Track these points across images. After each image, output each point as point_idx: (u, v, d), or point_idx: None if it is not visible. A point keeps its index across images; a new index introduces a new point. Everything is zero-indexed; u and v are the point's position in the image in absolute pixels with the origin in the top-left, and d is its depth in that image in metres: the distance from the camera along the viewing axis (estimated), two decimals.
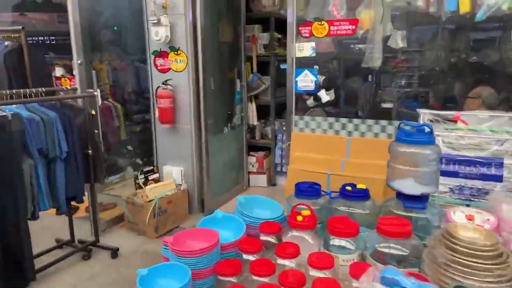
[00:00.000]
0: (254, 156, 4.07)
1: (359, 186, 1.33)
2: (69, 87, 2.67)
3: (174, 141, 3.36)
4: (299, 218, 1.16)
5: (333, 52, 2.85)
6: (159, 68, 3.29)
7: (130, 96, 4.37)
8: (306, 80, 2.81)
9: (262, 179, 4.09)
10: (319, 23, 2.72)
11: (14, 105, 2.21)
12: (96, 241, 2.75)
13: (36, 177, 2.24)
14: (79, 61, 2.77)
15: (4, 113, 2.06)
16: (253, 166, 4.08)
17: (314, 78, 2.79)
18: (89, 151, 2.61)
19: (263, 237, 1.17)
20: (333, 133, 2.78)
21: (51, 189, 2.35)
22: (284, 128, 4.06)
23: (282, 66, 4.22)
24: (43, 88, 2.47)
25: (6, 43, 3.43)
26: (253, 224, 1.28)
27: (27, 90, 2.38)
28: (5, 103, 2.15)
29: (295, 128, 2.88)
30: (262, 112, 4.18)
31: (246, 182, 4.08)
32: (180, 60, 3.18)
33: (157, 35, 3.09)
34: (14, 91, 2.31)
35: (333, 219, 1.11)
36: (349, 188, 1.33)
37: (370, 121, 2.69)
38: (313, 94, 2.85)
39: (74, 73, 4.17)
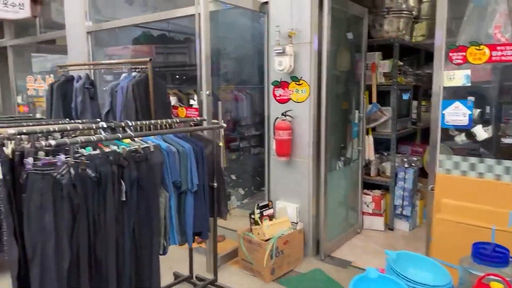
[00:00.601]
0: (369, 195, 3.68)
1: None
2: (198, 118, 2.64)
3: (289, 175, 3.15)
4: None
5: (492, 81, 2.41)
6: (278, 98, 3.16)
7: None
8: (457, 114, 2.40)
9: (378, 222, 3.65)
10: (477, 47, 2.32)
11: (152, 136, 2.20)
12: (215, 280, 2.59)
13: (168, 210, 2.17)
14: (207, 92, 2.75)
15: (147, 145, 2.03)
16: (368, 206, 3.67)
17: (468, 111, 2.36)
18: (214, 184, 2.51)
19: None
20: (492, 177, 2.30)
21: (179, 223, 2.27)
22: (406, 165, 3.61)
23: (404, 96, 3.83)
24: (176, 119, 2.47)
25: (134, 73, 3.62)
26: None
27: (161, 121, 2.37)
28: (146, 134, 2.15)
29: (440, 169, 2.46)
30: (377, 146, 3.80)
31: (360, 223, 3.67)
32: (302, 90, 3.01)
33: (281, 64, 2.97)
34: (152, 121, 2.32)
35: None
36: None
37: None
38: (466, 129, 2.42)
39: (190, 103, 4.32)
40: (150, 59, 3.57)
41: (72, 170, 1.65)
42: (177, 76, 5.99)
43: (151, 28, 5.69)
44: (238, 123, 4.55)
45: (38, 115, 5.00)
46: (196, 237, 2.45)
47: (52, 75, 5.08)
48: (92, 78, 4.11)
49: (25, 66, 6.32)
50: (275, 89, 3.16)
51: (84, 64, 4.18)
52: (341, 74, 3.38)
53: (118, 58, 4.89)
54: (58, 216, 1.64)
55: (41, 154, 1.70)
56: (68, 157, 1.68)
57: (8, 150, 1.70)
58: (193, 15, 3.60)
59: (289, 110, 3.06)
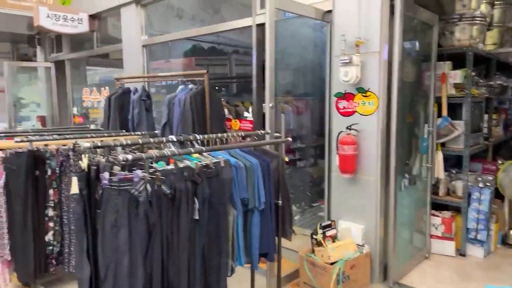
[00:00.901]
0: (438, 216, 3.37)
1: None
2: (262, 132, 2.52)
3: (354, 194, 2.94)
4: None
5: None
6: (341, 111, 2.98)
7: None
8: None
9: (448, 246, 3.33)
10: None
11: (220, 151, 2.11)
12: None
13: (236, 230, 2.05)
14: (270, 104, 2.64)
15: (217, 159, 1.93)
16: (437, 228, 3.36)
17: None
18: (279, 202, 2.36)
19: None
20: None
21: (245, 244, 2.14)
22: (480, 185, 3.29)
23: (476, 109, 3.52)
24: (242, 133, 2.37)
25: (190, 86, 3.60)
26: None
27: (227, 134, 2.28)
28: (217, 148, 2.05)
29: None
30: (444, 163, 3.49)
31: (428, 248, 3.37)
32: (369, 103, 2.82)
33: (347, 75, 2.80)
34: (219, 135, 2.23)
35: None
36: None
37: None
38: None
39: (245, 115, 4.24)
40: (207, 71, 3.54)
41: (148, 187, 1.57)
42: (223, 88, 5.99)
43: (201, 41, 5.75)
44: (292, 136, 4.41)
45: (92, 126, 5.13)
46: (261, 258, 2.31)
47: (107, 88, 5.23)
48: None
49: (79, 78, 6.59)
50: (338, 101, 2.99)
51: (141, 77, 4.24)
52: (407, 84, 3.15)
53: (161, 71, 4.95)
54: (133, 234, 1.56)
55: (116, 168, 1.64)
56: (144, 172, 1.60)
57: (84, 164, 1.65)
58: (250, 26, 3.58)
59: (354, 124, 2.87)
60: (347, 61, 2.78)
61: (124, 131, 3.60)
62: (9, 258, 2.48)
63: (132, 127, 3.88)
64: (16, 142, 2.55)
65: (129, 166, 1.70)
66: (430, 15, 3.22)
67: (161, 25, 5.16)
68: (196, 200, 1.72)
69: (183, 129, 3.43)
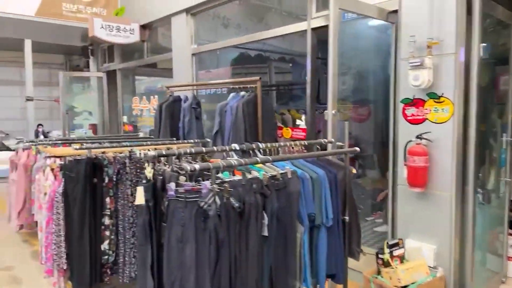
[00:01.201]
0: None
1: None
2: (325, 140, 2.34)
3: (424, 210, 2.66)
4: None
5: None
6: (409, 118, 2.73)
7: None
8: None
9: None
10: None
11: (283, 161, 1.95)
12: None
13: (302, 248, 1.87)
14: (333, 111, 2.46)
15: (284, 171, 1.78)
16: None
17: None
18: (346, 218, 2.16)
19: None
20: None
21: (311, 263, 1.95)
22: None
23: None
24: (304, 142, 2.20)
25: (242, 93, 3.50)
26: None
27: (284, 144, 2.13)
28: (280, 158, 1.90)
29: None
30: None
31: (505, 271, 2.99)
32: (443, 109, 2.55)
33: (417, 79, 2.56)
34: (282, 144, 2.08)
35: None
36: None
37: None
38: None
39: (297, 123, 4.07)
40: (260, 78, 3.43)
41: (217, 199, 1.44)
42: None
43: (248, 49, 5.69)
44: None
45: (141, 134, 5.19)
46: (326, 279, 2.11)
47: (156, 96, 5.29)
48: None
49: (128, 88, 6.76)
50: (406, 107, 2.74)
51: (191, 85, 4.22)
52: (481, 90, 2.84)
53: (201, 81, 4.90)
54: (200, 250, 1.43)
55: (182, 178, 1.53)
56: (211, 182, 1.48)
57: (149, 173, 1.56)
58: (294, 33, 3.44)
59: (425, 133, 2.61)
60: (418, 63, 2.54)
61: (174, 139, 3.57)
62: (65, 266, 2.46)
63: (182, 135, 3.85)
64: (75, 149, 2.55)
65: (193, 176, 1.59)
66: (507, 13, 2.90)
67: (208, 35, 5.16)
68: (265, 214, 1.58)
69: (235, 137, 3.33)
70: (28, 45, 5.96)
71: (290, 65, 6.05)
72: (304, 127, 3.67)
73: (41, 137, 7.41)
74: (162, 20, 5.21)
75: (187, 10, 4.73)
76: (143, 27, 5.61)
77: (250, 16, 5.52)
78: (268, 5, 5.06)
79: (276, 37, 3.97)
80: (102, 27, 5.29)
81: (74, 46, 6.94)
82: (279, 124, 3.93)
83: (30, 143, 3.45)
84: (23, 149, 3.50)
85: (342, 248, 2.05)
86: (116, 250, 2.52)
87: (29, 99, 6.07)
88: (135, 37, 5.56)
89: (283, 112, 4.55)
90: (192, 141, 3.15)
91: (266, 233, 1.56)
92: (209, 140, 3.45)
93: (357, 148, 2.23)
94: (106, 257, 2.48)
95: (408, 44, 2.65)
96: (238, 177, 1.64)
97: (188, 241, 1.43)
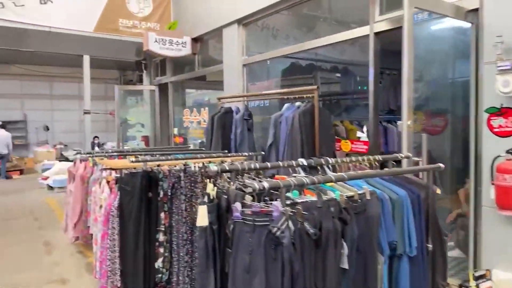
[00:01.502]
0: None
1: None
2: (402, 155, 2.07)
3: None
4: None
5: None
6: (496, 130, 2.37)
7: None
8: None
9: None
10: None
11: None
12: None
13: (381, 281, 1.60)
14: (408, 122, 2.18)
15: (362, 191, 1.54)
16: None
17: None
18: (429, 245, 1.85)
19: None
20: None
21: None
22: None
23: None
24: (378, 156, 1.94)
25: (297, 103, 3.31)
26: None
27: (356, 158, 1.89)
28: (357, 176, 1.66)
29: None
30: None
31: None
32: None
33: (507, 85, 2.21)
34: (353, 159, 1.85)
35: None
36: None
37: None
38: None
39: (358, 135, 3.79)
40: (318, 87, 3.22)
41: (291, 225, 1.24)
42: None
43: (298, 58, 5.51)
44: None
45: (191, 146, 5.16)
46: None
47: (207, 108, 5.25)
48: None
49: (178, 100, 6.84)
50: (492, 117, 2.39)
51: (244, 96, 4.11)
52: None
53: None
54: (271, 283, 1.23)
55: (248, 198, 1.35)
56: (282, 204, 1.28)
57: (212, 191, 1.40)
58: (367, 35, 3.19)
59: None
60: (509, 67, 2.20)
61: (226, 151, 3.45)
62: (119, 284, 2.37)
63: (234, 147, 3.72)
64: (131, 161, 2.49)
65: (261, 195, 1.40)
66: None
67: (257, 46, 5.07)
68: (344, 243, 1.35)
69: (290, 149, 3.13)
70: (86, 60, 6.24)
71: (338, 75, 5.78)
72: (366, 139, 3.38)
73: (96, 148, 7.72)
74: (213, 32, 5.20)
75: (239, 21, 4.67)
76: (195, 40, 5.64)
77: (300, 26, 5.36)
78: (318, 15, 4.87)
79: (327, 46, 3.79)
80: (156, 41, 5.39)
81: (128, 61, 7.19)
82: (337, 136, 3.68)
83: (87, 155, 3.49)
84: (81, 160, 3.56)
85: (427, 281, 1.75)
86: (169, 268, 2.40)
87: (86, 112, 6.33)
88: (187, 50, 5.61)
89: (336, 123, 4.28)
90: (246, 154, 3.00)
91: (346, 266, 1.33)
92: (263, 152, 3.28)
93: (442, 165, 1.93)
94: (160, 275, 2.36)
95: (494, 46, 2.31)
96: (309, 197, 1.43)
97: (257, 272, 1.24)
